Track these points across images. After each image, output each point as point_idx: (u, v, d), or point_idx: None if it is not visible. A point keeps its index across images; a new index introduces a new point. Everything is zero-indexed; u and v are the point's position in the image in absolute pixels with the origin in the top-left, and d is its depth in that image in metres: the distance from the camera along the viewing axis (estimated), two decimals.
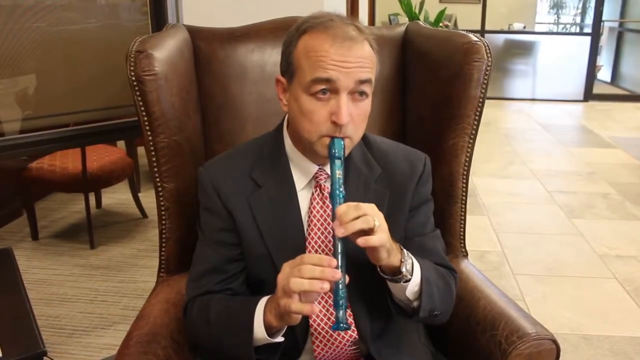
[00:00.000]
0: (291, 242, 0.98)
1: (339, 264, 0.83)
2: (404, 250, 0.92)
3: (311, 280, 0.80)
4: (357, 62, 0.88)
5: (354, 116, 0.90)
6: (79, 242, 2.84)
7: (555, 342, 0.98)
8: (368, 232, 0.84)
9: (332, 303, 0.85)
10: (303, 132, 0.92)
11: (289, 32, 0.95)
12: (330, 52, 0.87)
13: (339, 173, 0.88)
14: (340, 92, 0.88)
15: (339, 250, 0.84)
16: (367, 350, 1.02)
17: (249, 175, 1.01)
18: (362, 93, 0.90)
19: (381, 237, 0.84)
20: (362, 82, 0.89)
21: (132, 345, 0.99)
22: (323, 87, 0.88)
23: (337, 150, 0.89)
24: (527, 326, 0.99)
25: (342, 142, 0.90)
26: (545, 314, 2.23)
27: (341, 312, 0.82)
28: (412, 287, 0.92)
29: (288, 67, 0.94)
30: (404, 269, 0.90)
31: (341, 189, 0.88)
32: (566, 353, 2.00)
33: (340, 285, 0.82)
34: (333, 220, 0.85)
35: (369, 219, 0.82)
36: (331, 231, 0.98)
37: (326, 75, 0.87)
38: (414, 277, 0.92)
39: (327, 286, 0.79)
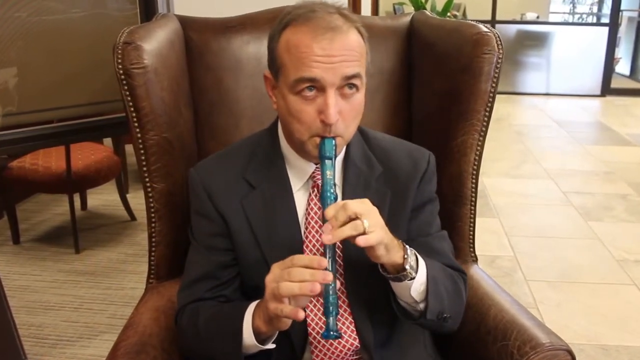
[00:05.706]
0: (287, 245, 0.99)
1: (330, 268, 0.84)
2: (407, 246, 0.93)
3: (301, 283, 0.80)
4: (341, 55, 0.87)
5: (344, 113, 0.91)
6: (63, 246, 2.84)
7: (570, 352, 0.98)
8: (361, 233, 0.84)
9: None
10: (293, 131, 0.94)
11: (273, 25, 0.95)
12: (312, 46, 0.87)
13: (329, 174, 0.90)
14: (327, 89, 0.88)
15: (328, 255, 0.85)
16: None
17: (242, 176, 1.02)
18: (352, 86, 0.90)
19: (377, 235, 0.84)
20: (349, 77, 0.89)
21: (119, 356, 0.99)
22: (308, 85, 0.88)
23: (327, 151, 0.91)
24: (541, 336, 0.99)
25: (333, 142, 0.91)
26: (560, 323, 2.23)
27: (331, 319, 0.84)
28: (418, 285, 0.92)
29: (273, 64, 0.94)
30: (407, 266, 0.90)
31: (332, 190, 0.89)
32: None
33: (330, 291, 0.84)
34: (324, 222, 0.86)
35: (357, 224, 0.83)
36: None
37: (310, 75, 0.87)
38: (418, 275, 0.92)
39: (318, 288, 0.80)
